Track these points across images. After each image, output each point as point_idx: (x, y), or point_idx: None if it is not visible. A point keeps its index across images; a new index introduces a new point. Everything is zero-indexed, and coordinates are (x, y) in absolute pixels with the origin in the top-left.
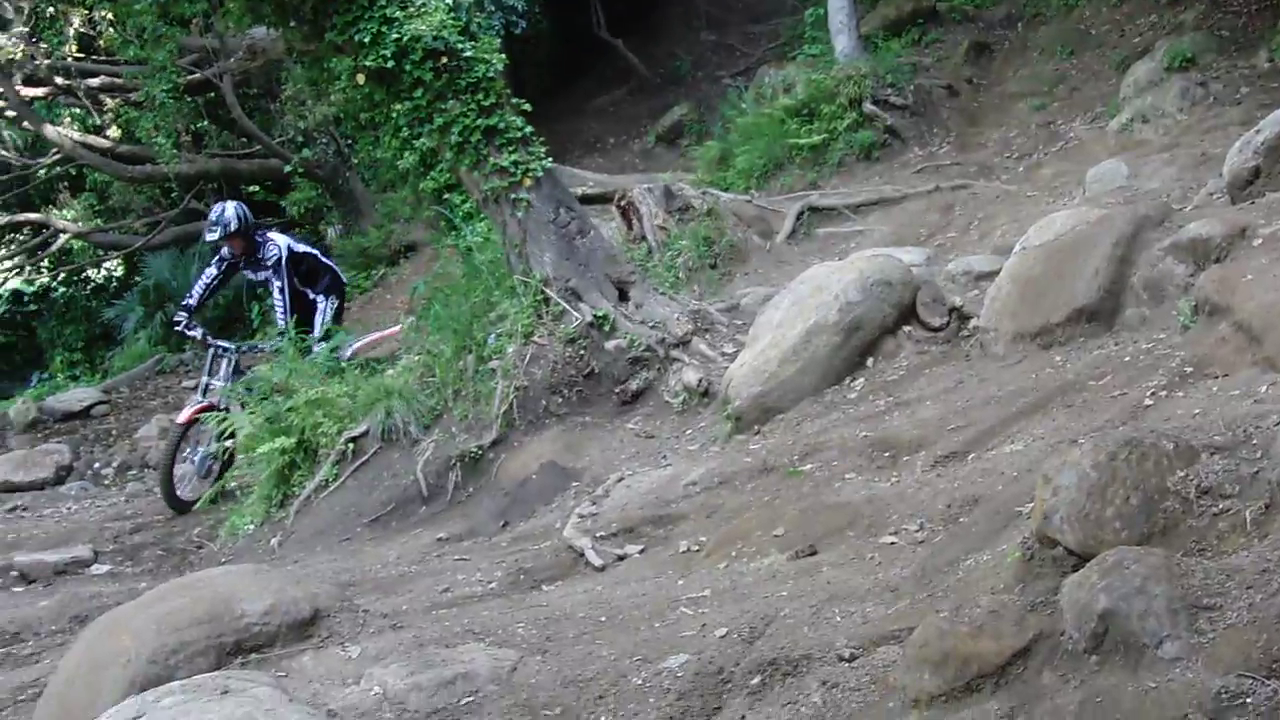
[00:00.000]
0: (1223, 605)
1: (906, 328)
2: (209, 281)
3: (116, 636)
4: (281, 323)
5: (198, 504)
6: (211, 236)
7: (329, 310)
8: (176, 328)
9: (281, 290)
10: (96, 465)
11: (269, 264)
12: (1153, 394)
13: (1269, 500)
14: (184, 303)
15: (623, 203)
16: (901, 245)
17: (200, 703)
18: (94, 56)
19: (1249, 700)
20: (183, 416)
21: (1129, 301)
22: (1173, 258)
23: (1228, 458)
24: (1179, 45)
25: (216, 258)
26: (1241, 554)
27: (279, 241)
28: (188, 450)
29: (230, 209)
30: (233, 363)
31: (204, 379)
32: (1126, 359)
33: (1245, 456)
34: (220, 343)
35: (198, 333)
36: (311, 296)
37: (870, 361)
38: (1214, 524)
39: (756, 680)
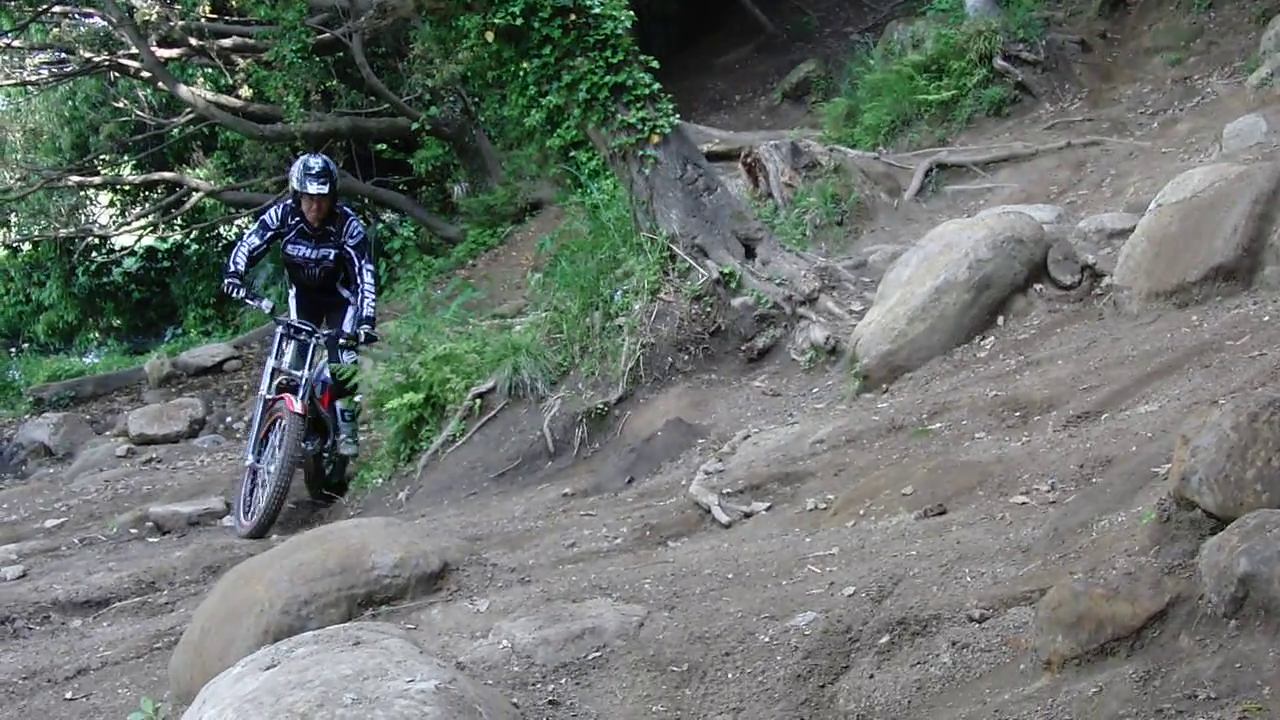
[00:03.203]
0: None
1: (1037, 286)
2: (252, 251)
3: (250, 586)
4: (370, 309)
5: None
6: (318, 189)
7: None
8: (231, 293)
9: (374, 274)
10: (228, 419)
11: (352, 241)
12: None
13: None
14: (232, 269)
15: (749, 160)
16: (1032, 202)
17: (333, 653)
18: (226, 17)
19: None
20: (299, 407)
21: (1268, 260)
22: None
23: None
24: None
25: (259, 225)
26: None
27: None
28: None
29: (330, 163)
30: (318, 350)
31: (282, 363)
32: (1265, 319)
33: None
34: (299, 322)
35: (266, 304)
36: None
37: (1000, 320)
38: None
39: (885, 639)
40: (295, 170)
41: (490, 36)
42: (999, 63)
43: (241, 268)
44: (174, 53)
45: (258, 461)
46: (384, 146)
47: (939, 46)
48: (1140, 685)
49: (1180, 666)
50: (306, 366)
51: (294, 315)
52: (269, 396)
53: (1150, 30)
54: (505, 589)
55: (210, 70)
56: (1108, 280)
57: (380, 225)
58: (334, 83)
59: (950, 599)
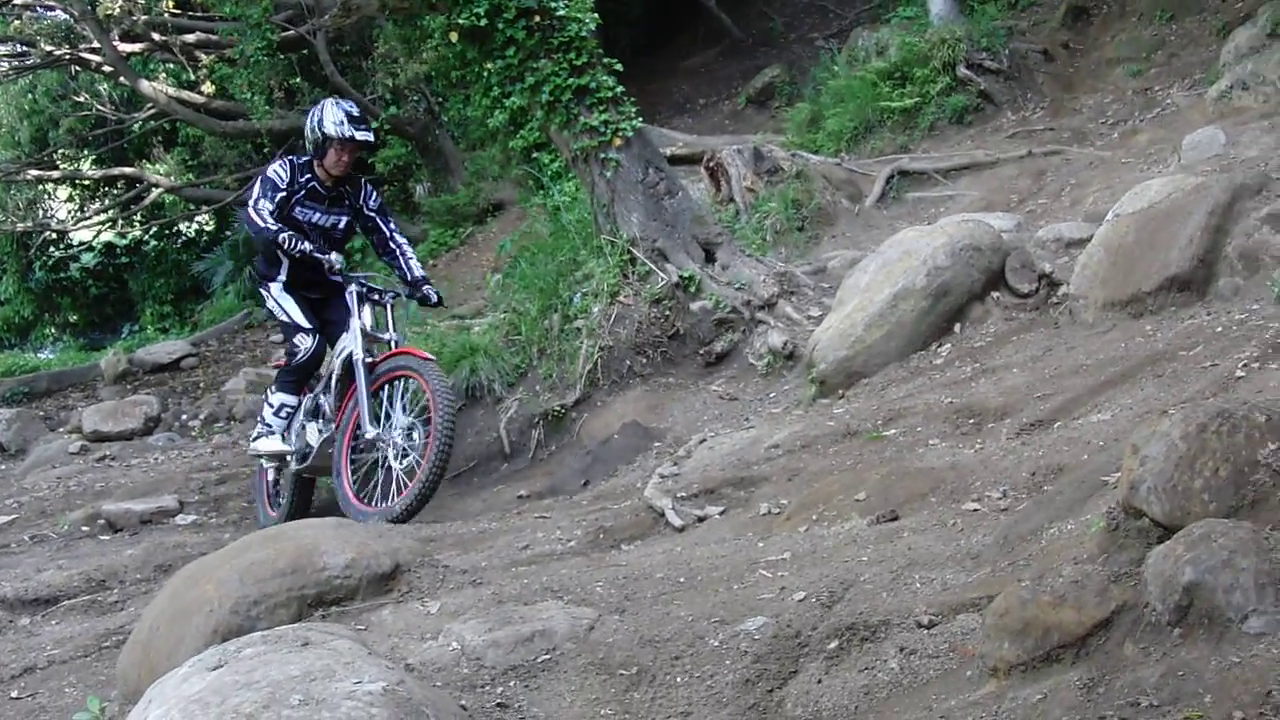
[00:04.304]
0: None
1: (995, 294)
2: (271, 214)
3: (200, 586)
4: (421, 271)
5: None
6: (365, 135)
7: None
8: (290, 245)
9: (405, 240)
10: (184, 417)
11: (373, 204)
12: (1244, 365)
13: None
14: (274, 227)
15: (711, 164)
16: (992, 211)
17: (281, 653)
18: (190, 13)
19: None
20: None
21: (1223, 271)
22: (1269, 227)
23: None
24: None
25: (267, 186)
26: None
27: None
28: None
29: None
30: (395, 311)
31: (363, 324)
32: (1219, 329)
33: None
34: (372, 283)
35: (335, 258)
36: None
37: (957, 327)
38: None
39: (834, 645)
40: (325, 115)
41: (454, 37)
42: (962, 71)
43: (276, 224)
44: (136, 47)
45: (382, 432)
46: None
47: (903, 54)
48: (1084, 692)
49: (1124, 674)
50: (391, 328)
51: (288, 301)
52: (369, 360)
53: (1112, 41)
54: (457, 590)
55: (172, 66)
56: (1064, 289)
57: None
58: (297, 80)
59: (900, 605)
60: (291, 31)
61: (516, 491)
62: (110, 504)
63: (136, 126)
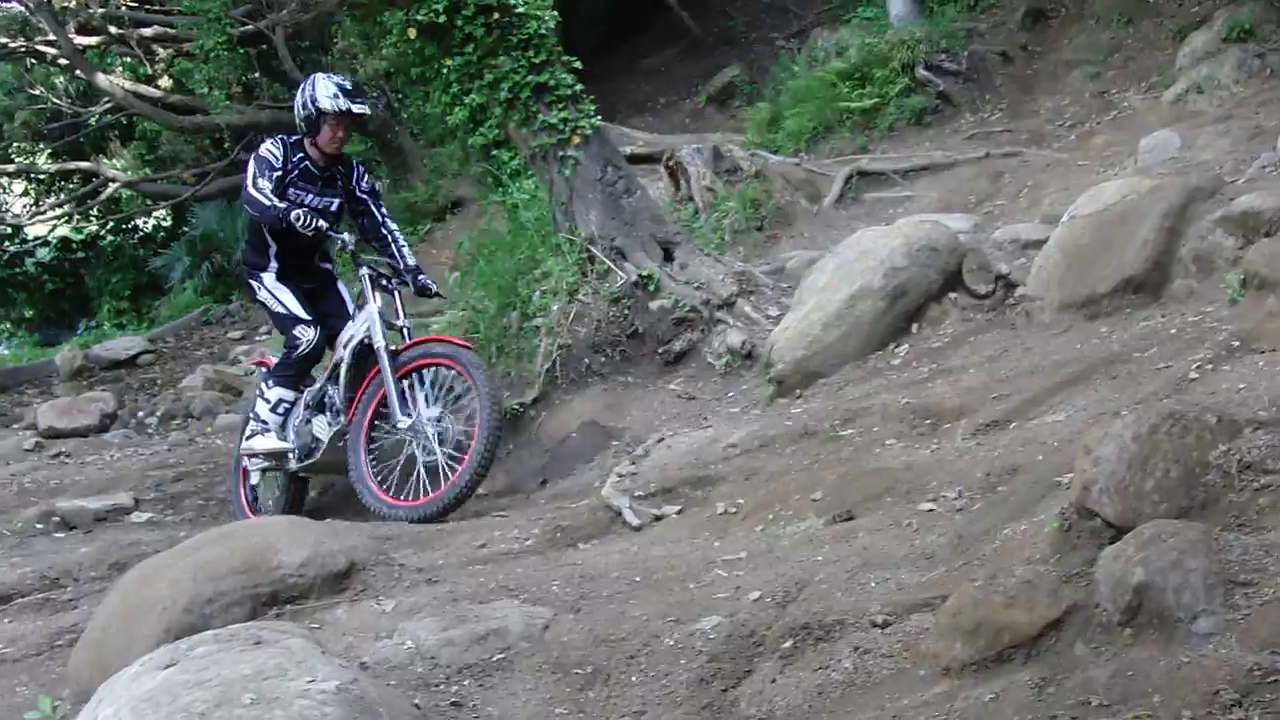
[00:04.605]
0: (1260, 581)
1: (952, 295)
2: (273, 189)
3: (153, 584)
4: (414, 259)
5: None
6: (362, 108)
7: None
8: (307, 225)
9: (396, 226)
10: (140, 414)
11: (365, 186)
12: (1198, 367)
13: None
14: (281, 205)
15: (671, 163)
16: (950, 212)
17: (233, 652)
18: (147, 6)
19: None
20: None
21: (1177, 273)
22: (1223, 230)
23: (1271, 433)
24: (1237, 16)
25: (262, 165)
26: None
27: None
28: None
29: None
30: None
31: (375, 310)
32: (1173, 331)
33: None
34: (376, 267)
35: (348, 238)
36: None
37: (915, 328)
38: (1255, 499)
39: (788, 644)
40: (318, 89)
41: (413, 33)
42: (921, 72)
43: (284, 202)
44: (93, 40)
45: (415, 421)
46: None
47: (862, 55)
48: (1035, 692)
49: (1075, 674)
50: (402, 315)
51: (284, 292)
52: (392, 347)
53: (1070, 44)
54: (412, 589)
55: (130, 59)
56: (1021, 290)
57: None
58: (256, 75)
59: (854, 604)
60: (250, 26)
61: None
62: (65, 501)
63: (93, 120)
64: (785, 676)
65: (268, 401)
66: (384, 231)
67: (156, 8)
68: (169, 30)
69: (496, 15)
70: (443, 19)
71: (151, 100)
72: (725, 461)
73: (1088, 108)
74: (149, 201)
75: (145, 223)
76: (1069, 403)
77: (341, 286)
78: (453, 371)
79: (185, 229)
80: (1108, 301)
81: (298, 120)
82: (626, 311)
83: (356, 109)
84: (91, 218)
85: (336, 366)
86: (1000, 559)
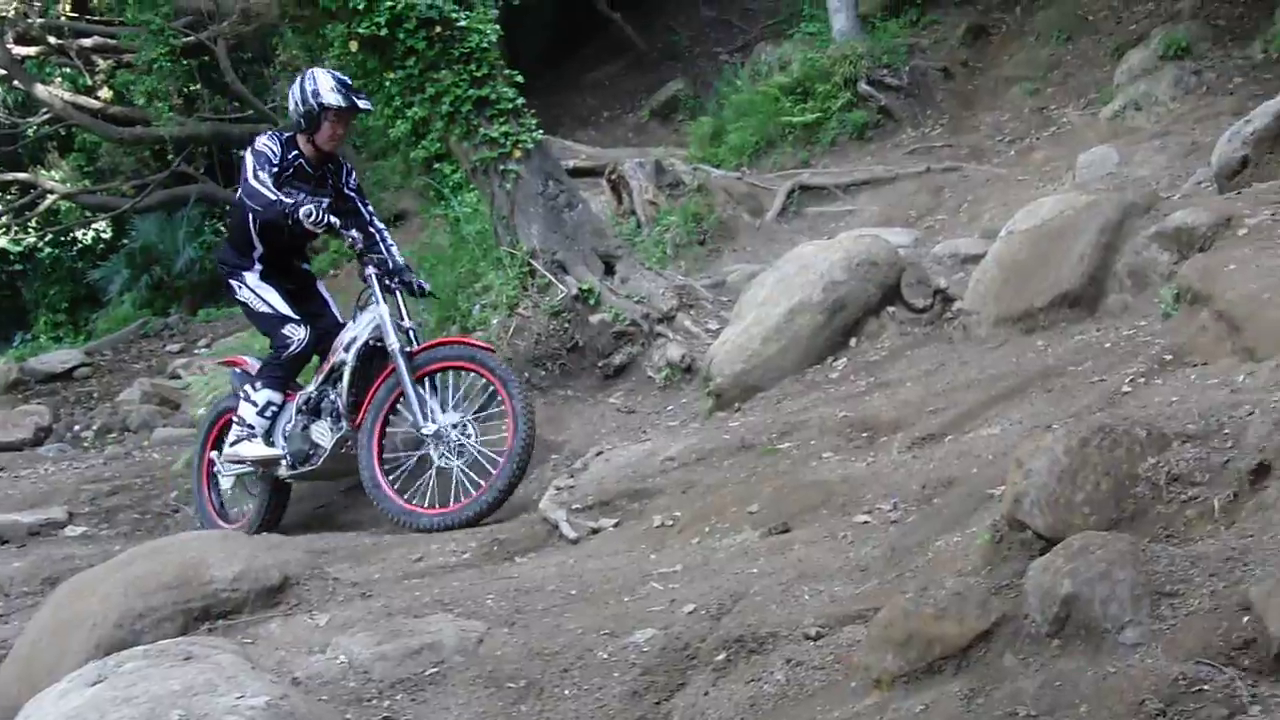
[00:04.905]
0: (1185, 592)
1: (891, 309)
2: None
3: (84, 599)
4: (402, 259)
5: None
6: (366, 104)
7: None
8: (316, 220)
9: (384, 225)
10: (76, 427)
11: (354, 183)
12: (1131, 380)
13: (1237, 489)
14: (288, 201)
15: (613, 176)
16: (890, 226)
17: (162, 668)
18: (88, 17)
19: (1206, 687)
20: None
21: (1112, 288)
22: (1157, 245)
23: (1199, 446)
24: (1174, 33)
25: (260, 160)
26: (1208, 541)
27: None
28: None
29: None
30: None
31: (385, 311)
32: (1107, 345)
33: (1216, 445)
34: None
35: (356, 236)
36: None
37: (853, 341)
38: (1182, 511)
39: (722, 657)
40: (320, 84)
41: (354, 46)
42: (863, 87)
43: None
44: (31, 50)
45: (441, 427)
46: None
47: (805, 69)
48: (965, 703)
49: (1004, 685)
50: (407, 316)
51: (269, 291)
52: (408, 349)
53: (1010, 60)
54: (346, 603)
55: (69, 70)
56: (959, 304)
57: None
58: (197, 87)
59: (788, 617)
60: (192, 38)
61: None
62: None
63: (31, 131)
64: (718, 689)
65: (254, 405)
66: (371, 230)
67: (97, 19)
68: (109, 41)
69: (438, 29)
70: (384, 32)
71: (91, 111)
72: (663, 475)
73: (1027, 123)
74: (88, 213)
75: (84, 234)
76: (1004, 416)
77: (321, 287)
78: (474, 375)
79: (124, 241)
80: (1044, 316)
81: (294, 116)
82: (567, 325)
83: (362, 104)
84: (29, 229)
85: (336, 369)
86: (932, 571)
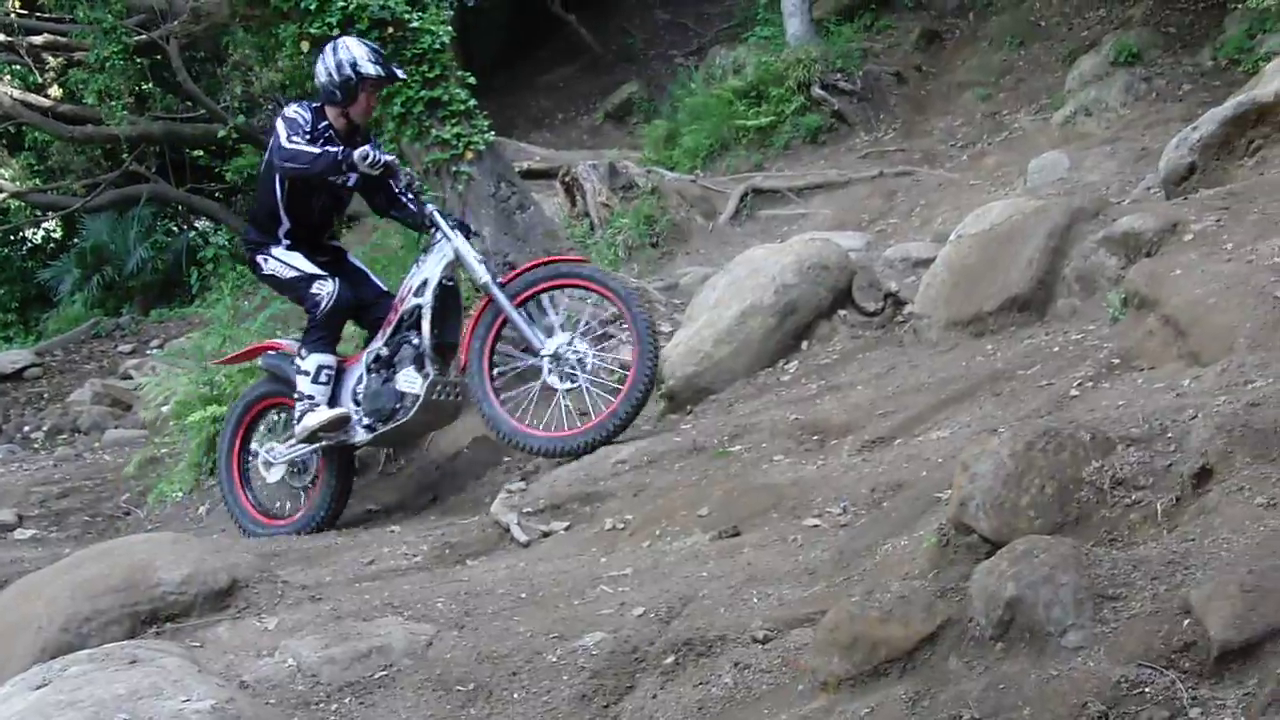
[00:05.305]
0: (1127, 595)
1: (842, 312)
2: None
3: (30, 602)
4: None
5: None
6: (402, 74)
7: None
8: (373, 162)
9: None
10: (26, 429)
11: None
12: (1079, 384)
13: (1180, 493)
14: (331, 150)
15: (567, 178)
16: (843, 229)
17: (108, 672)
18: (38, 14)
19: (1147, 690)
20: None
21: (1061, 292)
22: (1105, 250)
23: (1143, 450)
24: (1125, 40)
25: (291, 128)
26: (1150, 545)
27: None
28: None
29: None
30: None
31: (463, 243)
32: (1055, 349)
33: (1160, 449)
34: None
35: (412, 172)
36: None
37: (804, 345)
38: (1125, 515)
39: (670, 660)
40: (355, 53)
41: (305, 46)
42: (817, 91)
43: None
44: None
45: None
46: (200, 153)
47: (759, 73)
48: (909, 706)
49: (948, 687)
50: (474, 251)
51: (295, 256)
52: (500, 279)
53: (964, 65)
54: (295, 606)
55: (19, 67)
56: (909, 308)
57: (193, 233)
58: (149, 86)
59: (737, 620)
60: (144, 36)
61: (365, 506)
62: None
63: None
64: (666, 692)
65: (307, 373)
66: (403, 200)
67: (47, 16)
68: (60, 39)
69: (390, 30)
70: (336, 32)
71: (41, 109)
72: (614, 478)
73: (980, 128)
74: (38, 212)
75: (34, 234)
76: (953, 419)
77: (356, 260)
78: (584, 292)
79: (75, 240)
80: (993, 320)
81: (327, 88)
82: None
83: (400, 74)
84: None
85: (408, 317)
86: (879, 574)
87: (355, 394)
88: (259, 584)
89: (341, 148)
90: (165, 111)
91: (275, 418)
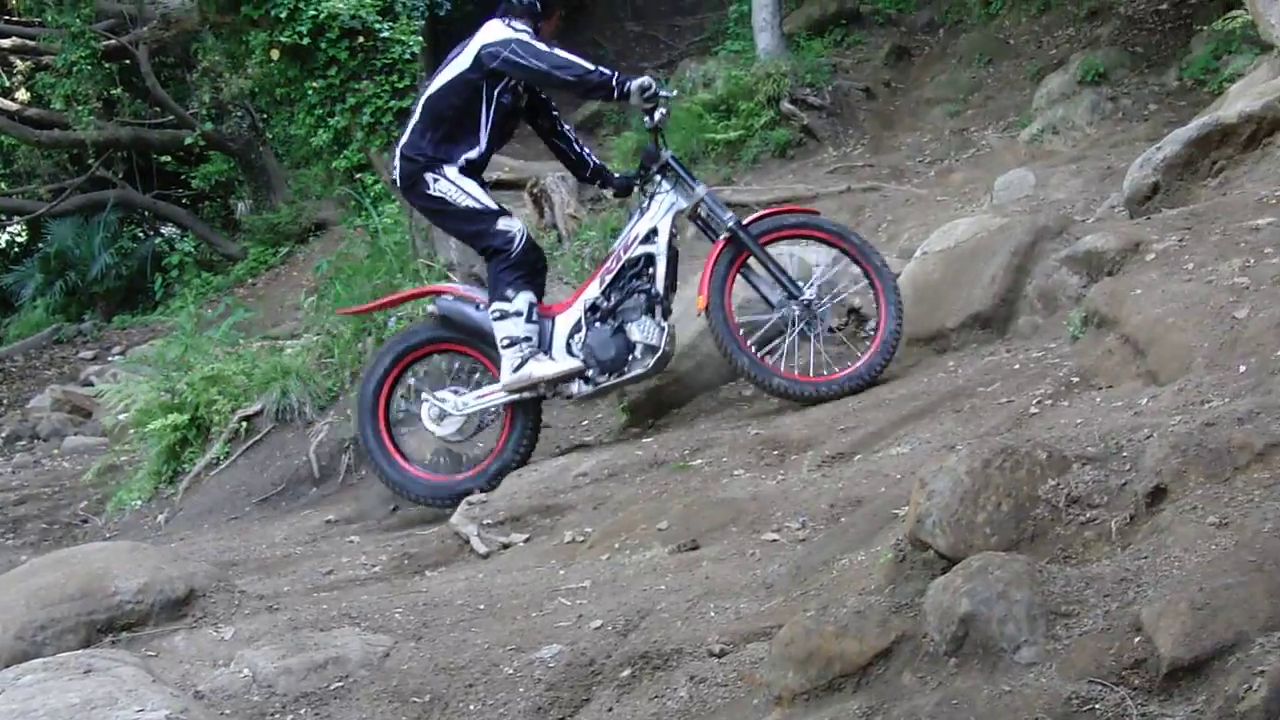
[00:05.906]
0: (1080, 613)
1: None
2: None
3: None
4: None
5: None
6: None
7: None
8: (646, 93)
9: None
10: None
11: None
12: (1038, 402)
13: (1134, 511)
14: (592, 68)
15: (535, 190)
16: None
17: (61, 681)
18: (6, 17)
19: (1097, 706)
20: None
21: (1023, 310)
22: (1067, 268)
23: (1099, 468)
24: (1092, 59)
25: (523, 41)
26: (1103, 563)
27: None
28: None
29: None
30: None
31: (704, 192)
32: (1016, 367)
33: (1115, 468)
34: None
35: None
36: None
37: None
38: (1080, 533)
39: (626, 673)
40: None
41: (276, 54)
42: (786, 106)
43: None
44: None
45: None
46: (168, 159)
47: (729, 87)
48: None
49: (902, 703)
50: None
51: (473, 185)
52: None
53: (932, 82)
54: (252, 616)
55: None
56: (872, 324)
57: (159, 239)
58: (118, 91)
59: (693, 634)
60: (113, 41)
61: (325, 516)
62: None
63: None
64: (622, 705)
65: (519, 313)
66: (564, 130)
67: (15, 20)
68: (28, 43)
69: (361, 39)
70: (306, 41)
71: (8, 113)
72: (575, 490)
73: (947, 145)
74: (2, 216)
75: None
76: (914, 436)
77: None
78: (817, 242)
79: (40, 245)
80: (955, 336)
81: (523, 1)
82: None
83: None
84: None
85: (633, 266)
86: (836, 589)
87: (570, 345)
88: (216, 593)
89: (615, 70)
90: (133, 117)
91: (439, 364)
